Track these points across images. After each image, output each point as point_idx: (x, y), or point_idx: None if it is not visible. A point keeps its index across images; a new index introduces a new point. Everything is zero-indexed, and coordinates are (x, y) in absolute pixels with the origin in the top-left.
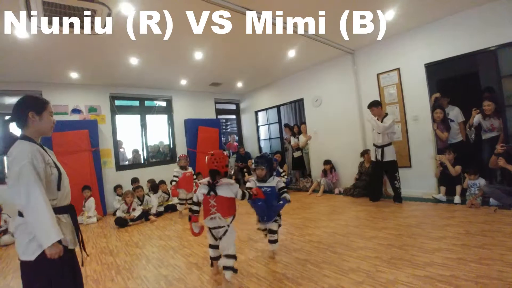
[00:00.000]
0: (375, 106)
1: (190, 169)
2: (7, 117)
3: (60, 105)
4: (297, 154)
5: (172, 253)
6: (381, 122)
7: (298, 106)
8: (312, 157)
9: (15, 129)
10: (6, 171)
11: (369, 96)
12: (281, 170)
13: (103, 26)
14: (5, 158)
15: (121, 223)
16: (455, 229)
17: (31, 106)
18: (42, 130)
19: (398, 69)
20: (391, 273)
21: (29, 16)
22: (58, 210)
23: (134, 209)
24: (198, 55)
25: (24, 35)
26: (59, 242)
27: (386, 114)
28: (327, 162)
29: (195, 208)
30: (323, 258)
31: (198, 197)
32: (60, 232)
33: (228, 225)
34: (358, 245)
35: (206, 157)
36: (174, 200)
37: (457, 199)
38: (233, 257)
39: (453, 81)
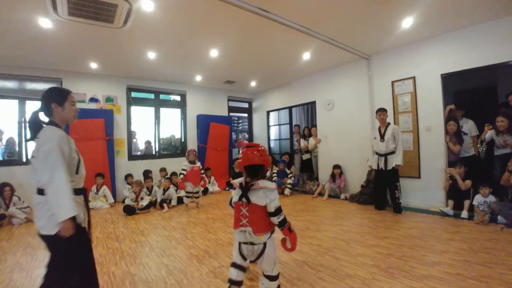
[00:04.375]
0: (383, 111)
1: (198, 164)
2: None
3: (78, 93)
4: (306, 156)
5: (175, 243)
6: (384, 130)
7: (310, 108)
8: (321, 161)
9: (43, 117)
10: (34, 153)
11: (382, 103)
12: (288, 171)
13: (124, 20)
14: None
15: (129, 211)
16: (459, 244)
17: (53, 98)
18: (65, 119)
19: (414, 77)
20: (387, 282)
21: (54, 7)
22: (74, 192)
23: (142, 198)
24: (214, 53)
25: (48, 25)
26: (73, 220)
27: (389, 124)
28: (336, 166)
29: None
30: (321, 261)
31: (231, 201)
32: (76, 209)
33: (265, 243)
34: (358, 251)
35: (242, 149)
36: (181, 193)
37: (464, 214)
38: (276, 277)
39: (469, 93)
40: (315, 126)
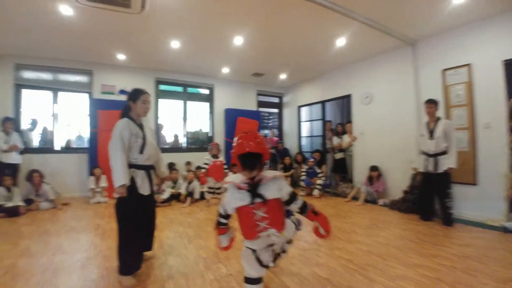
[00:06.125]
0: (433, 103)
1: (221, 158)
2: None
3: (108, 85)
4: (339, 155)
5: (186, 242)
6: (433, 125)
7: (344, 103)
8: (356, 161)
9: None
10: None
11: (431, 96)
12: (318, 171)
13: (141, 4)
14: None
15: None
16: None
17: (131, 97)
18: (138, 113)
19: (469, 65)
20: None
21: None
22: (138, 167)
23: (163, 191)
24: (239, 41)
25: (69, 12)
26: (130, 187)
27: (439, 118)
28: (374, 168)
29: (223, 221)
30: (350, 281)
31: (226, 210)
32: (126, 180)
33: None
34: (397, 272)
35: (235, 139)
36: (203, 188)
37: None
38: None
39: None
40: (350, 122)
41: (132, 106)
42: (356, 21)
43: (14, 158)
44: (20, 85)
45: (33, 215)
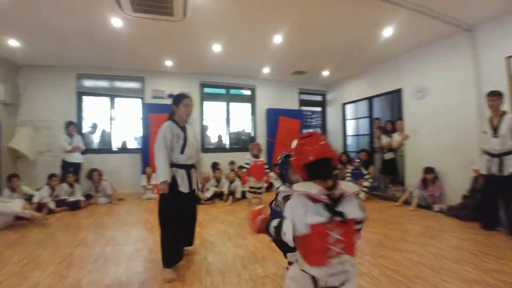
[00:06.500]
0: (496, 96)
1: (262, 158)
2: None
3: (158, 90)
4: (388, 155)
5: (226, 239)
6: (497, 120)
7: (394, 98)
8: (408, 162)
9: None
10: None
11: (493, 87)
12: (365, 172)
13: (183, 12)
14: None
15: None
16: None
17: (174, 101)
18: (180, 116)
19: None
20: None
21: (119, 5)
22: (178, 166)
23: (207, 189)
24: (278, 39)
25: (119, 23)
26: (171, 184)
27: (504, 113)
28: (429, 170)
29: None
30: None
31: (298, 230)
32: (167, 177)
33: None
34: (451, 287)
35: (294, 143)
36: (244, 187)
37: None
38: None
39: None
40: (401, 119)
41: (175, 109)
42: (404, 8)
43: (76, 157)
44: (82, 92)
45: (92, 209)
